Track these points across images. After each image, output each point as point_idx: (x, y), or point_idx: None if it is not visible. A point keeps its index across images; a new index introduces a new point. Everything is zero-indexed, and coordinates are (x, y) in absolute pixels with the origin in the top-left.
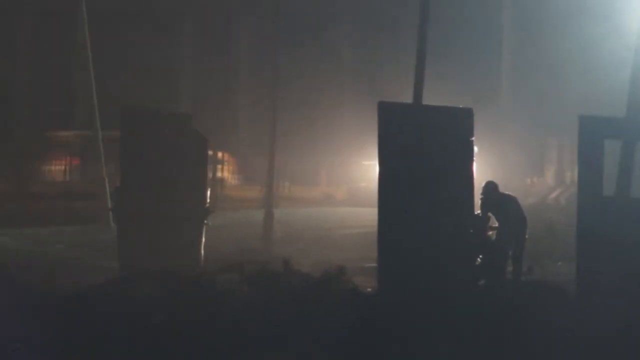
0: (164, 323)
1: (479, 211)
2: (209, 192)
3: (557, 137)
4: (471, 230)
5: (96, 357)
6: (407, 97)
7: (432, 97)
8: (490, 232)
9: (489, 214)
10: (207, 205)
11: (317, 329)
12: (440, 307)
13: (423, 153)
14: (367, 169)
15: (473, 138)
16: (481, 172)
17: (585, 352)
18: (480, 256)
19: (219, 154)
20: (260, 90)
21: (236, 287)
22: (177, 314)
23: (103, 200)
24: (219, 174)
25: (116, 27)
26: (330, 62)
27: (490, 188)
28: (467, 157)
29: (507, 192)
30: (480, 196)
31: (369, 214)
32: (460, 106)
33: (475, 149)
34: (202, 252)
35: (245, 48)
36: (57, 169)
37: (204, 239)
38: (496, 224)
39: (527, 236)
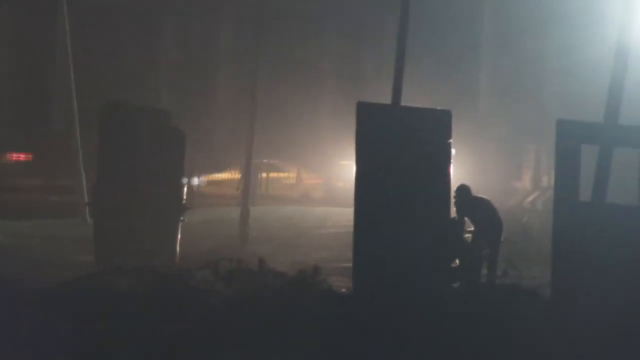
0: (139, 319)
1: (455, 215)
2: (185, 189)
3: (535, 141)
4: (448, 234)
5: (69, 352)
6: (386, 100)
7: (411, 101)
8: (466, 236)
9: (465, 217)
10: (184, 201)
11: (291, 328)
12: (415, 309)
13: (401, 154)
14: (344, 169)
15: (451, 140)
16: (458, 175)
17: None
18: (457, 259)
19: None
20: (240, 88)
21: (211, 285)
22: (153, 310)
23: (80, 194)
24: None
25: (96, 23)
26: (310, 61)
27: (464, 192)
28: (445, 159)
29: (480, 195)
30: (454, 200)
31: (346, 214)
32: (439, 108)
33: (453, 151)
34: (178, 248)
35: (227, 46)
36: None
37: (179, 236)
38: (471, 227)
39: (502, 239)
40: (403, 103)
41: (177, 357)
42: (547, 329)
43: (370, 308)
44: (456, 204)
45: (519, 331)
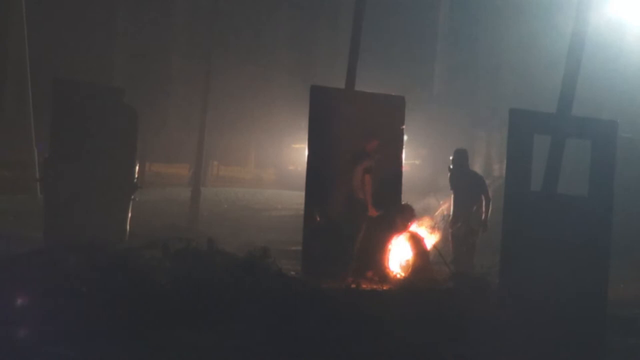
0: (85, 295)
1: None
2: (137, 168)
3: (487, 130)
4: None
5: (15, 327)
6: (340, 84)
7: (365, 87)
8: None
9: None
10: (135, 180)
11: (238, 309)
12: (364, 290)
13: (353, 139)
14: (297, 152)
15: (404, 126)
16: (410, 161)
17: (499, 343)
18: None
19: None
20: (193, 68)
21: (159, 264)
22: (100, 288)
23: (31, 170)
24: None
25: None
26: (265, 43)
27: (464, 156)
28: (397, 145)
29: (474, 170)
30: (450, 166)
31: (297, 197)
32: (393, 94)
33: (405, 137)
34: (128, 227)
35: (182, 25)
36: None
37: (130, 214)
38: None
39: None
40: (357, 88)
41: (122, 336)
42: (491, 315)
43: (319, 292)
44: (451, 172)
45: (463, 316)
